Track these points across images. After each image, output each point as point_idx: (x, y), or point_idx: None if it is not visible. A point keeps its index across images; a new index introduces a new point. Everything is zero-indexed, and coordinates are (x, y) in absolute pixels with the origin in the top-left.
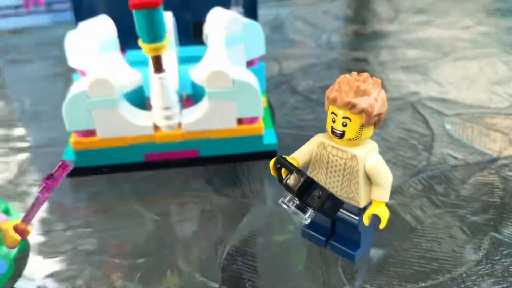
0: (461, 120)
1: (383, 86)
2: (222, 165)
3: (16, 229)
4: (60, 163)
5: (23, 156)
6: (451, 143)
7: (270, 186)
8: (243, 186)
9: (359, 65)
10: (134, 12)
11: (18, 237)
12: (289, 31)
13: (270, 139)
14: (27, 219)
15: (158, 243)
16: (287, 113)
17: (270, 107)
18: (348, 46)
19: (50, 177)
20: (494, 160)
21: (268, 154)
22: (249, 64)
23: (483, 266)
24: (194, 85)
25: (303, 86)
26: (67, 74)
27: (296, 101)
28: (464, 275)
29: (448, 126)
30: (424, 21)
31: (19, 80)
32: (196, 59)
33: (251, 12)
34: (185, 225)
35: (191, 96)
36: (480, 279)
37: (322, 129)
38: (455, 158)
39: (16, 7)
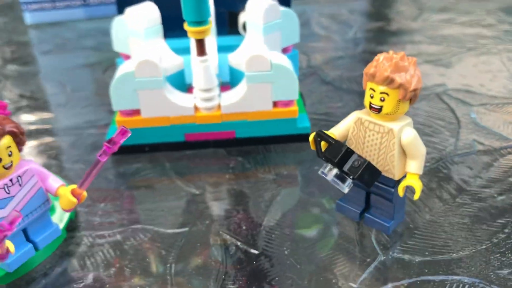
0: (485, 110)
1: None
2: (257, 146)
3: (73, 193)
4: (120, 128)
5: (63, 137)
6: (477, 130)
7: (302, 167)
8: (277, 166)
9: None
10: None
11: (75, 200)
12: (316, 26)
13: (303, 122)
14: (84, 183)
15: (199, 215)
16: (316, 101)
17: (301, 95)
18: (374, 41)
19: (109, 141)
20: None
21: (301, 137)
22: (284, 51)
23: None
24: (232, 71)
25: (331, 76)
26: (103, 64)
27: (325, 90)
28: (493, 247)
29: (473, 115)
30: (447, 19)
31: (55, 69)
32: (232, 48)
33: (284, 1)
34: (223, 201)
35: (228, 83)
36: (510, 251)
37: None
38: (481, 143)
39: (53, 1)
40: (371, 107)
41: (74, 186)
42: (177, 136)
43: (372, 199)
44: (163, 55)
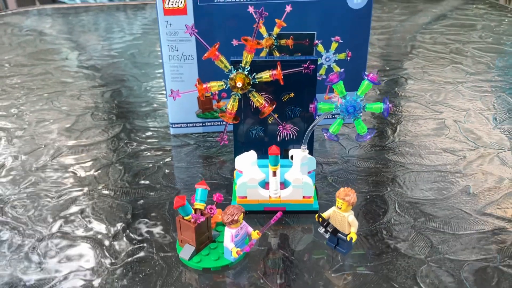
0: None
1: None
2: (294, 214)
3: (258, 234)
4: (279, 213)
5: None
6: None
7: (315, 225)
8: (302, 224)
9: (374, 170)
10: (270, 156)
11: (257, 236)
12: (329, 146)
13: (315, 205)
14: (263, 229)
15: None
16: (324, 193)
17: (316, 191)
18: (362, 157)
19: (276, 217)
20: None
21: (315, 212)
22: (308, 172)
23: None
24: (286, 180)
25: (332, 179)
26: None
27: (327, 188)
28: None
29: (398, 210)
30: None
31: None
32: (283, 165)
33: (309, 147)
34: (272, 239)
35: (282, 183)
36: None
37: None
38: (400, 222)
39: (186, 123)
40: (337, 207)
41: (257, 231)
42: (260, 207)
43: (339, 241)
44: (257, 173)
